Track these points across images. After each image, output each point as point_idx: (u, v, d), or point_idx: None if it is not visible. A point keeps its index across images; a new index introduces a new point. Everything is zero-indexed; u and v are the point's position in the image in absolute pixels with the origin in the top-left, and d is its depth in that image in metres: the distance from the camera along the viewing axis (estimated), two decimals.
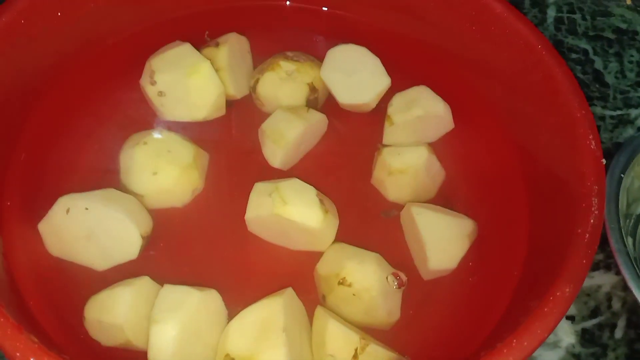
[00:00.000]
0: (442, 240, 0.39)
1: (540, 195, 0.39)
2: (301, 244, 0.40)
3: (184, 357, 0.33)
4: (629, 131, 0.53)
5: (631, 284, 0.39)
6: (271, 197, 0.38)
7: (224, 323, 0.35)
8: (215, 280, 0.37)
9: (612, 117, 0.54)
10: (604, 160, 0.35)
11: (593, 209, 0.32)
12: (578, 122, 0.36)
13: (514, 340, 0.27)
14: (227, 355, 0.33)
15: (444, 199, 0.44)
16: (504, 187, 0.43)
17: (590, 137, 0.35)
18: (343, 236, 0.41)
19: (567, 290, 0.29)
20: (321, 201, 0.39)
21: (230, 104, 0.46)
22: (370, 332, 0.37)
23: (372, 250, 0.39)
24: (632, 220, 0.46)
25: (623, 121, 0.54)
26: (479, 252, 0.40)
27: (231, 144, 0.45)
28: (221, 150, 0.44)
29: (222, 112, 0.44)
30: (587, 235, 0.31)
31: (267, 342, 0.33)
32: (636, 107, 0.55)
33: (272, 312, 0.34)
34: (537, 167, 0.40)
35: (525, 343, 0.27)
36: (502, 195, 0.43)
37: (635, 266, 0.42)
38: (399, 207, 0.43)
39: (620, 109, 0.55)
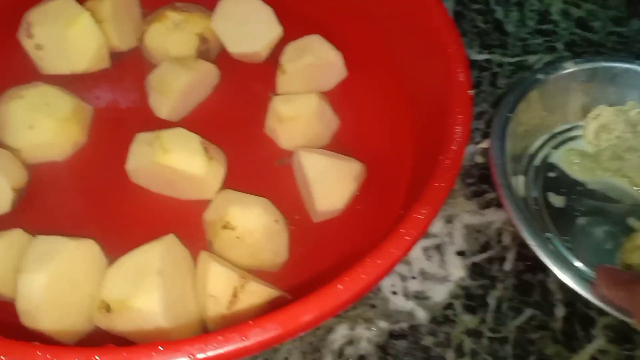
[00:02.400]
0: (329, 181, 0.39)
1: (422, 132, 0.40)
2: (187, 192, 0.40)
3: (56, 307, 0.32)
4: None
5: (512, 215, 0.41)
6: (152, 146, 0.38)
7: (102, 273, 0.35)
8: (98, 232, 0.37)
9: (510, 63, 0.55)
10: (471, 92, 0.36)
11: (456, 137, 0.33)
12: (450, 57, 0.37)
13: (368, 259, 0.28)
14: (103, 301, 0.33)
15: (339, 145, 0.44)
16: (393, 128, 0.44)
17: (459, 70, 0.36)
18: (236, 185, 0.41)
19: (424, 211, 0.30)
20: (206, 149, 0.39)
21: (118, 56, 0.45)
22: (260, 274, 0.37)
23: (265, 197, 0.40)
24: (526, 160, 0.47)
25: (521, 67, 0.55)
26: (367, 192, 0.41)
27: (118, 96, 0.44)
28: (107, 103, 0.43)
29: (106, 64, 0.43)
30: (448, 160, 0.32)
31: (141, 286, 0.32)
32: (534, 54, 0.56)
33: (148, 257, 0.34)
34: (420, 106, 0.41)
35: (379, 261, 0.28)
36: (392, 136, 0.43)
37: (524, 203, 0.44)
38: (292, 154, 0.43)
39: (519, 55, 0.56)
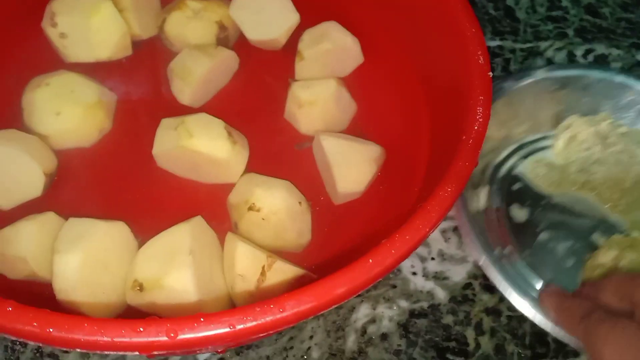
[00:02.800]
0: (349, 164, 0.40)
1: (440, 115, 0.41)
2: (212, 176, 0.40)
3: (90, 286, 0.33)
4: (539, 62, 0.55)
5: (465, 229, 0.40)
6: (177, 131, 0.39)
7: (133, 253, 0.36)
8: (126, 216, 0.37)
9: (522, 49, 0.56)
10: (491, 73, 0.36)
11: (478, 117, 0.34)
12: (468, 40, 0.37)
13: (397, 235, 0.29)
14: (135, 280, 0.34)
15: (356, 130, 0.45)
16: (410, 112, 0.44)
17: (479, 53, 0.37)
18: (257, 169, 0.41)
19: (449, 189, 0.31)
20: (229, 133, 0.40)
21: (139, 44, 0.45)
22: (283, 255, 0.38)
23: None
24: (491, 170, 0.45)
25: (533, 53, 0.56)
26: (387, 175, 0.42)
27: (141, 83, 0.45)
28: (130, 90, 0.44)
29: (128, 52, 0.44)
30: (471, 140, 0.33)
31: (174, 265, 0.33)
32: (546, 40, 0.57)
33: (179, 237, 0.35)
34: (437, 89, 0.42)
35: (407, 237, 0.29)
36: (409, 120, 0.44)
37: (482, 216, 0.42)
38: (312, 139, 0.44)
39: (530, 41, 0.57)
